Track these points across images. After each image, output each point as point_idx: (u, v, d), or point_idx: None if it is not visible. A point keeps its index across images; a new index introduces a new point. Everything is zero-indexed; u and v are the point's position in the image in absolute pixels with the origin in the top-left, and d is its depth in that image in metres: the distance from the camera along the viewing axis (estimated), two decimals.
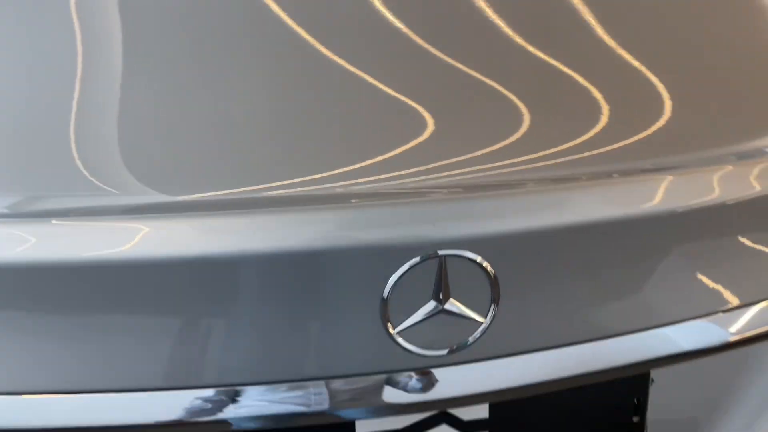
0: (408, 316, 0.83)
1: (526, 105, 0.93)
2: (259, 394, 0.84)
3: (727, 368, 1.07)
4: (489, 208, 0.84)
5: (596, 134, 0.92)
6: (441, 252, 0.81)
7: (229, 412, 0.84)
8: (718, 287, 0.97)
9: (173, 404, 0.82)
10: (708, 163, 0.94)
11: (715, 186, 0.93)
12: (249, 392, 0.83)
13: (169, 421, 0.82)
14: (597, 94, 0.97)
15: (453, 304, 0.83)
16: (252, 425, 0.85)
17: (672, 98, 0.99)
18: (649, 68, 1.01)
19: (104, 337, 0.81)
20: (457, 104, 0.93)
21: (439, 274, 0.82)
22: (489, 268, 0.83)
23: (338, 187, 0.82)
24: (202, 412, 0.83)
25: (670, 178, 0.91)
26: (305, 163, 0.84)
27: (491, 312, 0.85)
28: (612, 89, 0.98)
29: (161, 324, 0.81)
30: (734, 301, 0.98)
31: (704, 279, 0.96)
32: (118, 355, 0.81)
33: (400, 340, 0.83)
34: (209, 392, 0.83)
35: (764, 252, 0.99)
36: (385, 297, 0.81)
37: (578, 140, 0.91)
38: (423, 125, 0.89)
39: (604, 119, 0.94)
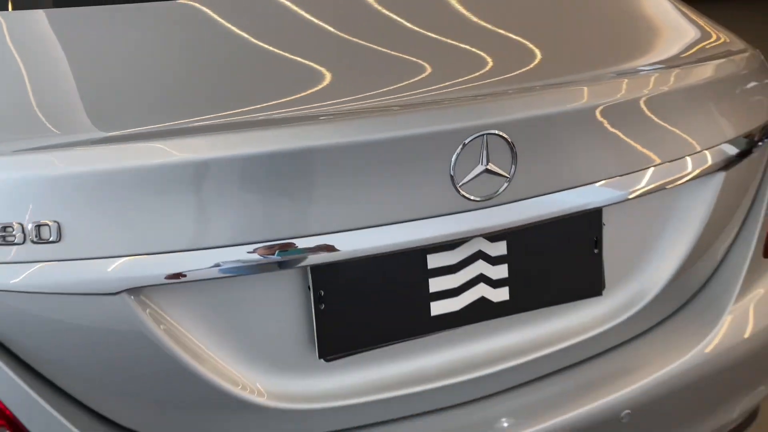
0: (465, 175, 1.34)
1: (494, 52, 1.52)
2: (367, 233, 1.32)
3: (653, 218, 1.61)
4: (507, 104, 1.37)
5: (541, 64, 1.51)
6: (483, 132, 1.33)
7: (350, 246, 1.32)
8: (646, 151, 1.50)
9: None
10: (607, 78, 1.50)
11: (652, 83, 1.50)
12: (363, 232, 1.31)
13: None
14: (527, 44, 1.57)
15: (492, 166, 1.36)
16: (359, 254, 1.32)
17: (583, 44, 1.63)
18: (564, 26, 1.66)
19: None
20: (460, 49, 1.49)
21: (483, 146, 1.33)
22: (511, 141, 1.35)
23: (421, 94, 1.34)
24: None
25: (587, 88, 1.45)
26: (399, 79, 1.38)
27: (512, 169, 1.37)
28: (540, 40, 1.59)
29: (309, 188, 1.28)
30: (649, 162, 1.51)
31: (636, 148, 1.50)
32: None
33: (462, 191, 1.35)
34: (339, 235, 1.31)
35: (673, 130, 1.54)
36: (453, 162, 1.32)
37: (543, 66, 1.49)
38: (447, 61, 1.45)
39: (540, 56, 1.54)
